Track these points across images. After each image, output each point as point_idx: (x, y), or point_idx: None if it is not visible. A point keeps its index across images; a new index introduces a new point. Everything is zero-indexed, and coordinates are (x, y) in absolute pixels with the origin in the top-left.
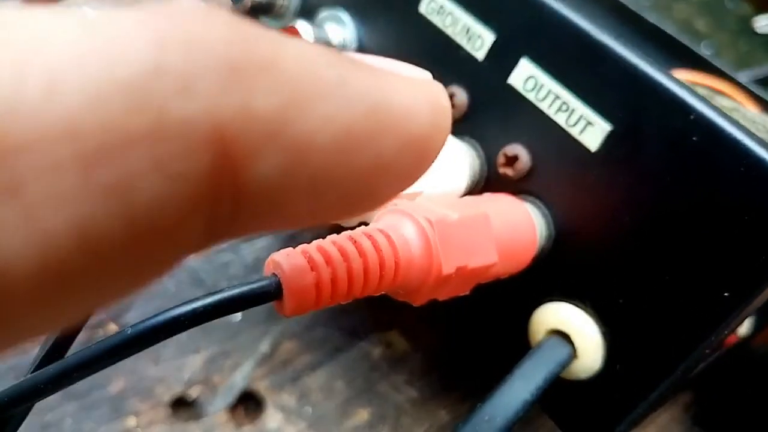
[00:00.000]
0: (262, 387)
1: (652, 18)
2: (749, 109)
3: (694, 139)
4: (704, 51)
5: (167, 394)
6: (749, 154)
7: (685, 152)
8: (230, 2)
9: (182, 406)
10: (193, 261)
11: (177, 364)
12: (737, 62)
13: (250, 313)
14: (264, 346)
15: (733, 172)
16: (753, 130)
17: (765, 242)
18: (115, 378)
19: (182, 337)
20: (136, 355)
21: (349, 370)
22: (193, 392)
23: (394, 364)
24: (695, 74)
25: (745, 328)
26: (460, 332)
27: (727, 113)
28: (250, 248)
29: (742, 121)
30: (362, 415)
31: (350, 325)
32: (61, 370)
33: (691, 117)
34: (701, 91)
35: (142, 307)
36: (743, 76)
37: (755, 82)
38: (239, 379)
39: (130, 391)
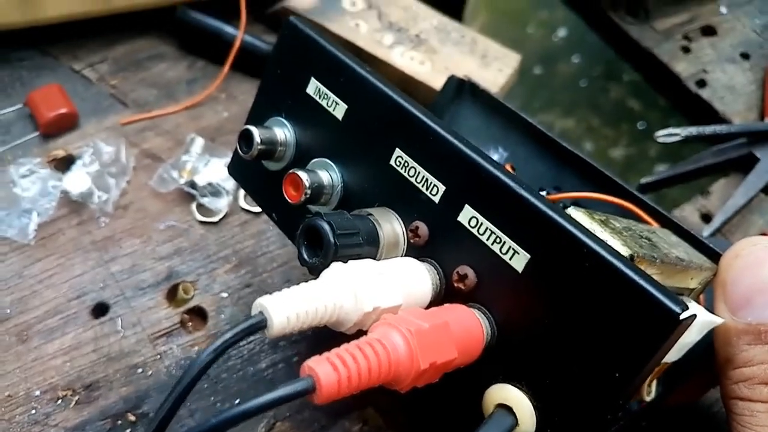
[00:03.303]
0: None
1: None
2: (641, 225)
3: (586, 264)
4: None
5: None
6: (622, 276)
7: (581, 274)
8: (238, 149)
9: None
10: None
11: None
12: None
13: (247, 399)
14: (261, 429)
15: (610, 288)
16: (637, 246)
17: (634, 340)
18: None
19: (186, 423)
20: None
21: None
22: None
23: None
24: (600, 195)
25: (652, 394)
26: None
27: (616, 234)
28: (246, 345)
29: (629, 240)
30: None
31: (333, 407)
32: None
33: (584, 250)
34: (597, 216)
35: (155, 399)
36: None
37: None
38: None
39: None
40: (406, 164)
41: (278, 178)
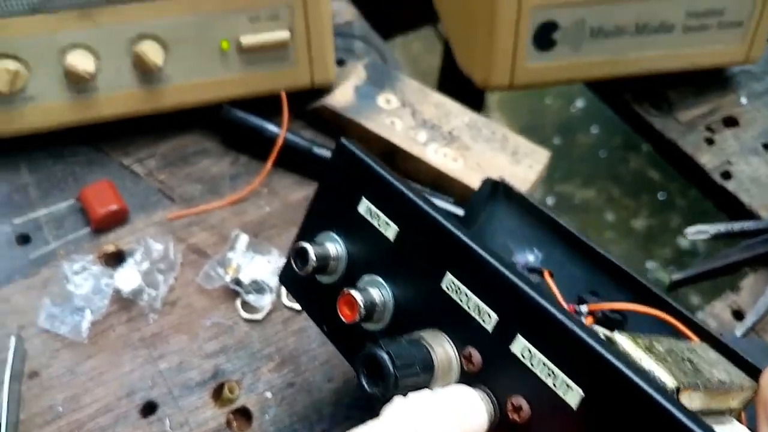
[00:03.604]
0: None
1: (601, 249)
2: (681, 342)
3: (636, 404)
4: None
5: None
6: (671, 416)
7: (632, 413)
8: (293, 265)
9: None
10: None
11: None
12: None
13: None
14: None
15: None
16: (681, 374)
17: None
18: None
19: None
20: None
21: None
22: None
23: None
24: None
25: None
26: None
27: (660, 362)
28: None
29: (673, 367)
30: None
31: None
32: None
33: (636, 390)
34: (642, 341)
35: None
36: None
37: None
38: None
39: None
40: (458, 290)
41: (329, 292)
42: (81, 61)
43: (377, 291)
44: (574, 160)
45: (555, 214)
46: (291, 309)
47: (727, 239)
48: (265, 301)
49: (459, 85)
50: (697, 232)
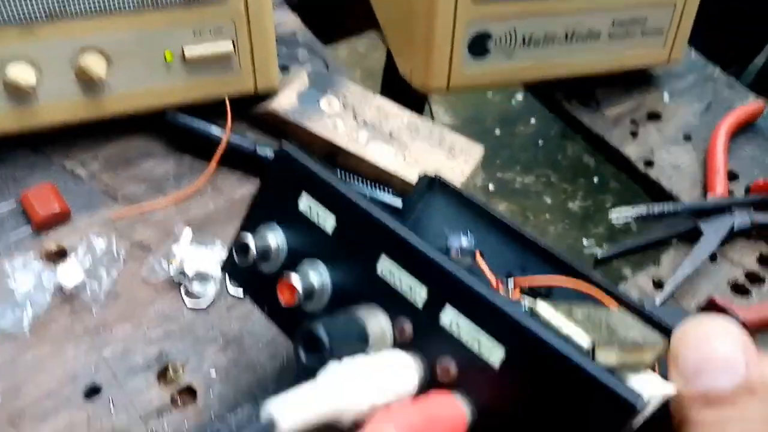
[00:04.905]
0: None
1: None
2: (600, 310)
3: (551, 363)
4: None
5: None
6: (584, 373)
7: (547, 370)
8: (236, 257)
9: None
10: None
11: None
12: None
13: None
14: None
15: (573, 383)
16: (597, 336)
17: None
18: None
19: None
20: None
21: None
22: None
23: None
24: (562, 278)
25: None
26: None
27: (579, 325)
28: None
29: (590, 329)
30: None
31: None
32: None
33: (549, 350)
34: (562, 306)
35: None
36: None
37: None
38: None
39: None
40: (391, 272)
41: (270, 278)
42: (22, 74)
43: (316, 276)
44: (514, 149)
45: (487, 204)
46: (235, 297)
47: (649, 220)
48: (209, 290)
49: (402, 84)
50: (620, 216)
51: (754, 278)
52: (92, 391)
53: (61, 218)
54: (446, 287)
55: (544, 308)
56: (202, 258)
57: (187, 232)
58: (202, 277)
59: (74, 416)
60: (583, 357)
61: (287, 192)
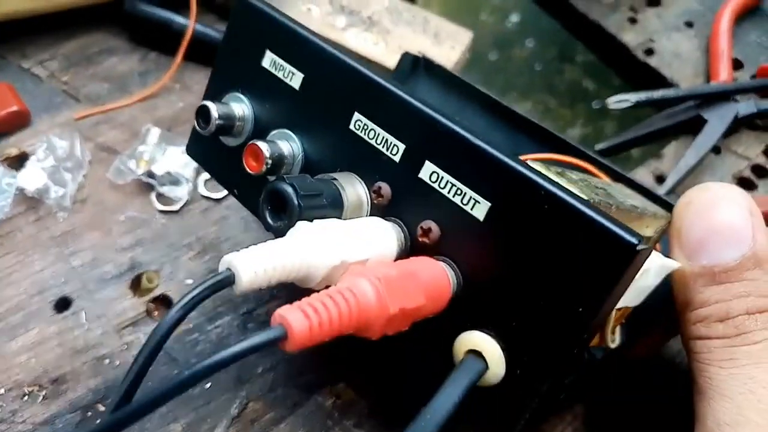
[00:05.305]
0: None
1: (523, 112)
2: (596, 178)
3: (544, 206)
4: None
5: None
6: (579, 214)
7: (540, 216)
8: (196, 126)
9: None
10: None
11: None
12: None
13: (219, 381)
14: (234, 409)
15: (569, 226)
16: (593, 194)
17: (595, 274)
18: None
19: (162, 409)
20: None
21: (308, 420)
22: None
23: (344, 411)
24: (556, 155)
25: (616, 341)
26: (402, 366)
27: (572, 184)
28: (214, 329)
29: (585, 189)
30: None
31: (305, 383)
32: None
33: (542, 192)
34: (554, 168)
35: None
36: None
37: (607, 151)
38: None
39: None
40: (365, 127)
41: (237, 154)
42: None
43: (285, 143)
44: (510, 74)
45: (476, 85)
46: (209, 199)
47: (649, 109)
48: (181, 192)
49: None
50: (619, 101)
51: (760, 171)
52: (63, 304)
53: (19, 120)
54: (425, 135)
55: (535, 164)
56: (172, 158)
57: (154, 132)
58: (173, 178)
59: (45, 330)
60: (577, 199)
61: (250, 48)
